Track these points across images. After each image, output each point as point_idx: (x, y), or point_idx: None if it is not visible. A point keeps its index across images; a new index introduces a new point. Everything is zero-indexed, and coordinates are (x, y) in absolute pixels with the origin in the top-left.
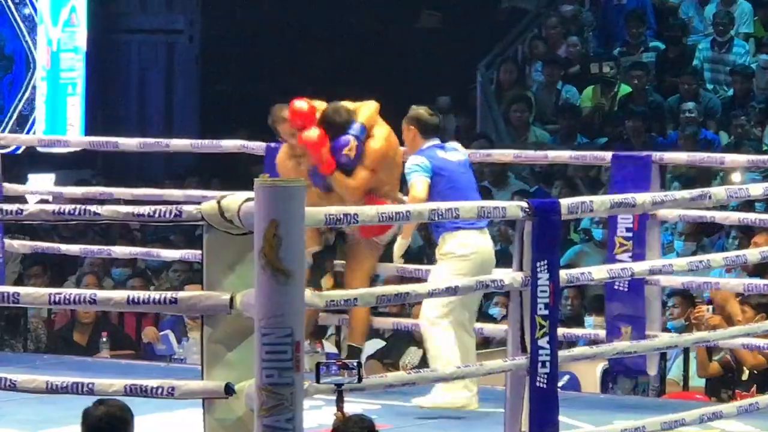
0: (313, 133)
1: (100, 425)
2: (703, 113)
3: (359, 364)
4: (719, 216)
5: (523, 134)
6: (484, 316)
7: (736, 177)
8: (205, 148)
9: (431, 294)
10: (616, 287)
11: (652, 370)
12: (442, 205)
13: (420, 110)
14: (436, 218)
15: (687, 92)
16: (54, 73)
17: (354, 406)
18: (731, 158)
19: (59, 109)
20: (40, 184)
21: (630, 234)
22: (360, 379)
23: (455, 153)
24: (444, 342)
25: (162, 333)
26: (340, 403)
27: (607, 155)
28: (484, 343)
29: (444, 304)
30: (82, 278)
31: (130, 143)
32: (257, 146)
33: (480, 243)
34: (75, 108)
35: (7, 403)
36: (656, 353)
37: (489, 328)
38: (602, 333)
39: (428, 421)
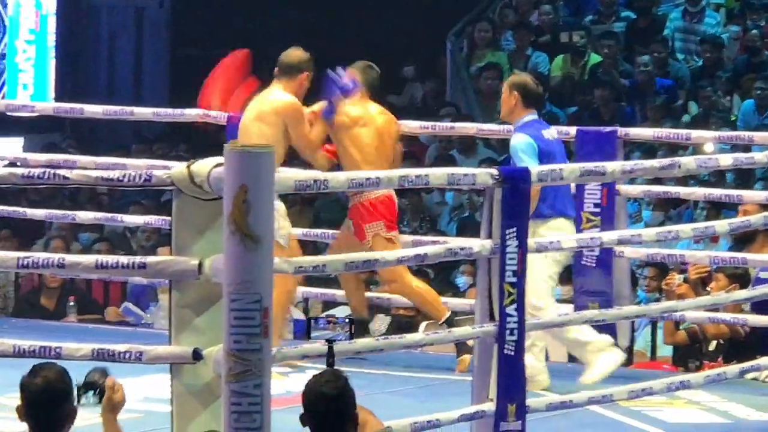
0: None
1: (41, 399)
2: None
3: (351, 320)
4: (684, 191)
5: (492, 103)
6: (449, 285)
7: (708, 147)
8: (168, 117)
9: (400, 261)
10: (583, 263)
11: (623, 342)
12: (413, 171)
13: (526, 77)
14: (406, 184)
15: (656, 62)
16: (42, 37)
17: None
18: (698, 134)
19: (46, 73)
20: (7, 147)
21: (598, 210)
22: (352, 336)
23: (552, 131)
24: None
25: (122, 306)
26: (330, 359)
27: (572, 130)
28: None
29: (546, 289)
30: (49, 242)
31: (95, 110)
32: (219, 115)
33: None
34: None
35: None
36: (627, 326)
37: (454, 299)
38: (569, 306)
39: (398, 389)
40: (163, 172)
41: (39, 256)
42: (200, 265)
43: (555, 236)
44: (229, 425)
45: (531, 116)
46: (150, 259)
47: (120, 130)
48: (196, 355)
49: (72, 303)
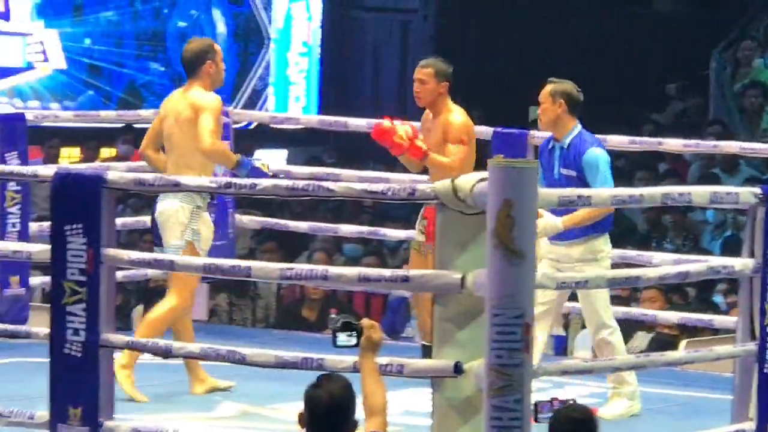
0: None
1: (325, 412)
2: None
3: (574, 400)
4: None
5: (756, 121)
6: (708, 303)
7: None
8: None
9: (662, 278)
10: None
11: None
12: (676, 189)
13: (568, 84)
14: (669, 202)
15: None
16: (314, 49)
17: (581, 389)
18: None
19: (315, 85)
20: (271, 159)
21: None
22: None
23: None
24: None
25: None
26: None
27: None
28: (709, 330)
29: (610, 310)
30: (312, 255)
31: (359, 123)
32: (483, 131)
33: None
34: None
35: (235, 377)
36: None
37: (716, 318)
38: None
39: (657, 406)
40: (427, 186)
41: (302, 267)
42: (463, 279)
43: None
44: None
45: (578, 125)
46: (413, 272)
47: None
48: (458, 369)
49: (333, 315)
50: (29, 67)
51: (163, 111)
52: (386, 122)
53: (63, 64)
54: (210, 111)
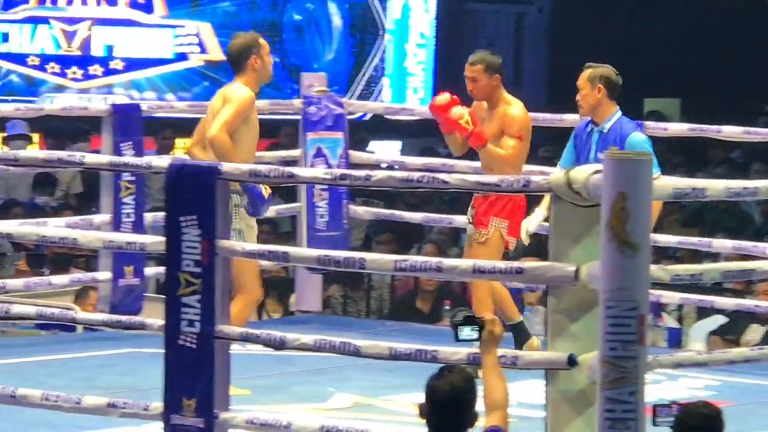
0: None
1: (446, 403)
2: None
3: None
4: None
5: None
6: None
7: None
8: (547, 122)
9: None
10: None
11: None
12: None
13: (608, 68)
14: None
15: None
16: (431, 41)
17: (695, 381)
18: None
19: (432, 76)
20: (385, 150)
21: None
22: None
23: None
24: None
25: None
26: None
27: None
28: None
29: None
30: (422, 247)
31: None
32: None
33: None
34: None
35: (349, 369)
36: None
37: None
38: None
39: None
40: (541, 178)
41: (416, 259)
42: (577, 271)
43: None
44: None
45: (619, 111)
46: (527, 264)
47: None
48: (571, 362)
49: (447, 307)
50: (180, 57)
51: (209, 109)
52: (447, 97)
53: (220, 56)
54: (233, 104)
